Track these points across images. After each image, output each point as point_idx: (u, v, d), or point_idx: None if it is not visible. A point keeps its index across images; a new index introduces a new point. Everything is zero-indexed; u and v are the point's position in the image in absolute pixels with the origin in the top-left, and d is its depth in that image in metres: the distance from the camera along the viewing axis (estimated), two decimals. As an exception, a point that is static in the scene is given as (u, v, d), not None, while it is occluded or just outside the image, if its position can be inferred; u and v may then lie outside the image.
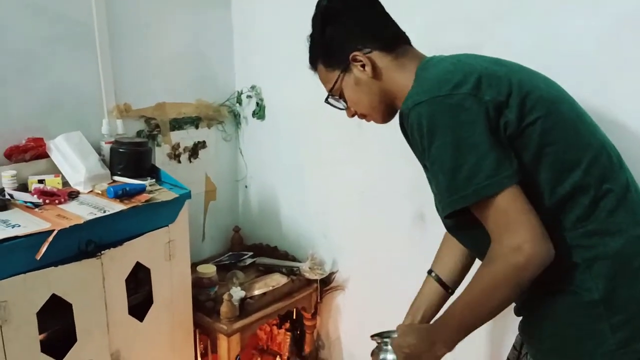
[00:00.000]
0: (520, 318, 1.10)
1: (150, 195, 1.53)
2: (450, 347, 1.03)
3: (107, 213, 1.40)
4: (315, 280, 1.96)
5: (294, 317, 2.15)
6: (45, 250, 1.26)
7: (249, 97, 2.13)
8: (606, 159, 0.99)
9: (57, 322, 1.38)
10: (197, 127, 2.08)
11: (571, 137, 0.97)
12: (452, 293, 1.28)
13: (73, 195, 1.52)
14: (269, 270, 2.04)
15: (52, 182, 1.54)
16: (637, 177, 1.05)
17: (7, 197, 1.45)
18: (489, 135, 0.92)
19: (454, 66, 1.00)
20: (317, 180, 2.02)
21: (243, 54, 2.13)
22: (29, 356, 1.30)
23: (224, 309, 1.69)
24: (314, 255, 1.97)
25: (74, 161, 1.57)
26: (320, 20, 1.14)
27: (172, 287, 1.64)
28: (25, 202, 1.43)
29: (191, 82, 2.04)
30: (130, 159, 1.65)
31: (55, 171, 1.59)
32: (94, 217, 1.37)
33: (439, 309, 1.28)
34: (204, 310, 1.77)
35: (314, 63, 1.20)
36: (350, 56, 1.11)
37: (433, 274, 1.29)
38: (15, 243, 1.22)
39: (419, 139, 0.97)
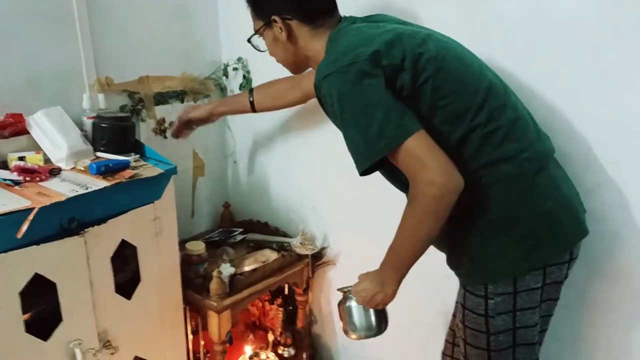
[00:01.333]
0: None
1: (135, 171, 1.49)
2: (397, 283, 1.20)
3: (89, 190, 1.36)
4: (307, 256, 1.94)
5: (286, 292, 2.14)
6: (27, 229, 1.23)
7: (235, 69, 2.07)
8: (493, 100, 1.14)
9: (41, 301, 1.35)
10: (182, 101, 2.02)
11: (459, 89, 1.12)
12: (253, 111, 1.74)
13: (54, 172, 1.47)
14: (259, 246, 2.01)
15: (33, 159, 1.50)
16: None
17: (-14, 175, 1.40)
18: (390, 93, 1.07)
19: (355, 37, 1.15)
20: (306, 154, 1.98)
21: (228, 25, 2.07)
22: (14, 337, 1.28)
23: (213, 285, 1.66)
24: (304, 231, 1.94)
25: (55, 137, 1.52)
26: None
27: (160, 265, 1.60)
28: (5, 179, 1.39)
29: (175, 55, 1.97)
30: (113, 134, 1.60)
31: (36, 148, 1.54)
32: (75, 194, 1.33)
33: (235, 113, 1.84)
34: (193, 287, 1.74)
35: (247, 2, 1.34)
36: (271, 17, 1.27)
37: (251, 97, 1.73)
38: (-5, 222, 1.19)
39: (332, 107, 1.12)
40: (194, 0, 1.99)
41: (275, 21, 1.27)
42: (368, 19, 1.30)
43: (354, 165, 1.13)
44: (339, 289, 1.35)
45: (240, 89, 2.08)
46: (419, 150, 1.05)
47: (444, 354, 1.52)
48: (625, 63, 1.21)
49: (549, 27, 1.30)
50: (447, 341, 1.50)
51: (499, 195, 1.13)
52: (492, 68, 1.27)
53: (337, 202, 1.93)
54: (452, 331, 1.47)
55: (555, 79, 1.32)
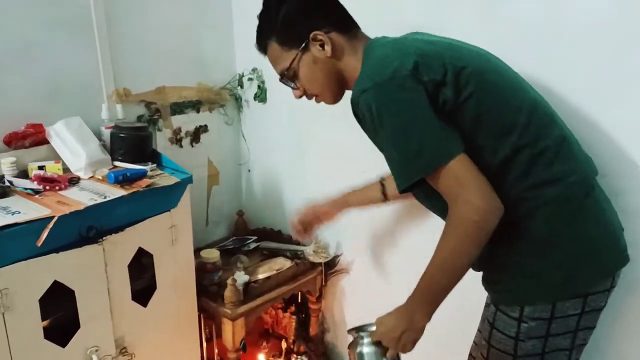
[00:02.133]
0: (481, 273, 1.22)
1: (151, 180, 1.52)
2: (429, 315, 1.10)
3: (107, 199, 1.39)
4: (320, 264, 1.95)
5: (299, 300, 2.15)
6: (46, 237, 1.26)
7: (250, 79, 2.10)
8: (539, 118, 1.08)
9: (60, 308, 1.38)
10: (198, 111, 2.06)
11: (503, 104, 1.07)
12: (384, 201, 1.53)
13: (73, 181, 1.51)
14: (273, 254, 2.03)
15: (53, 168, 1.53)
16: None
17: (7, 184, 1.44)
18: (432, 110, 1.01)
19: (393, 51, 1.08)
20: (319, 162, 2.00)
21: (243, 36, 2.10)
22: (33, 343, 1.30)
23: (228, 293, 1.68)
24: (318, 239, 1.96)
25: (74, 147, 1.56)
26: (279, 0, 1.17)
27: (175, 272, 1.63)
28: (26, 188, 1.42)
29: (191, 65, 2.01)
30: (130, 144, 1.63)
31: (56, 157, 1.57)
32: (94, 202, 1.36)
33: (363, 205, 1.58)
34: (208, 295, 1.76)
35: (265, 42, 1.20)
36: (311, 35, 1.15)
37: (381, 183, 1.53)
38: (16, 230, 1.22)
39: (371, 123, 1.05)
40: (210, 11, 2.03)
41: (314, 39, 1.15)
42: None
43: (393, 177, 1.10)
44: (349, 331, 1.22)
45: (254, 99, 2.10)
46: (460, 173, 1.00)
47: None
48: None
49: (567, 30, 1.30)
50: (470, 355, 1.40)
51: (544, 217, 1.07)
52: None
53: (351, 212, 1.94)
54: (476, 345, 1.39)
55: (575, 83, 1.32)
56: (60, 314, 1.39)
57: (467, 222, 0.99)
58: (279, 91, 2.05)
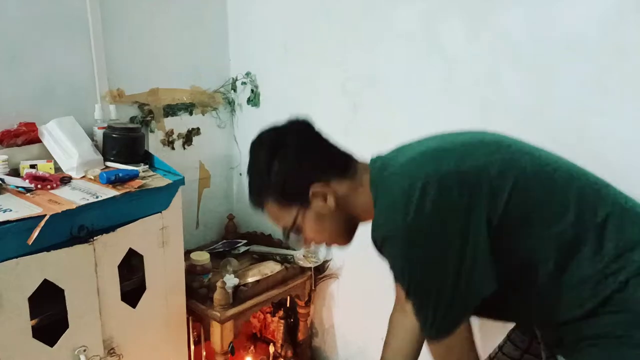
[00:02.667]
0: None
1: (144, 181, 1.52)
2: None
3: (99, 199, 1.39)
4: (309, 269, 1.96)
5: (288, 305, 2.15)
6: (37, 235, 1.25)
7: (243, 83, 2.11)
8: (587, 191, 0.97)
9: (49, 308, 1.37)
10: (191, 114, 2.06)
11: (547, 193, 0.95)
12: None
13: (65, 180, 1.51)
14: (262, 258, 2.03)
15: (44, 167, 1.53)
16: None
17: (-1, 181, 1.43)
18: (455, 251, 0.90)
19: (405, 180, 0.95)
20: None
21: (238, 40, 2.11)
22: (21, 342, 1.29)
23: (217, 296, 1.68)
24: (308, 244, 1.96)
25: (67, 146, 1.56)
26: (269, 154, 1.05)
27: (165, 274, 1.63)
28: (17, 187, 1.42)
29: (185, 68, 2.01)
30: (123, 144, 1.63)
31: (48, 156, 1.57)
32: (86, 202, 1.36)
33: None
34: (197, 297, 1.76)
35: (260, 200, 1.09)
36: (311, 191, 1.04)
37: None
38: (7, 228, 1.21)
39: (393, 268, 0.98)
40: (205, 15, 2.04)
41: (315, 194, 1.04)
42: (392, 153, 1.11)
43: None
44: None
45: (248, 102, 2.12)
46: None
47: None
48: (629, 80, 1.24)
49: (554, 44, 1.33)
50: None
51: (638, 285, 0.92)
52: (498, 83, 1.31)
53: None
54: None
55: (560, 95, 1.35)
56: (49, 313, 1.38)
57: None
58: (272, 95, 2.07)
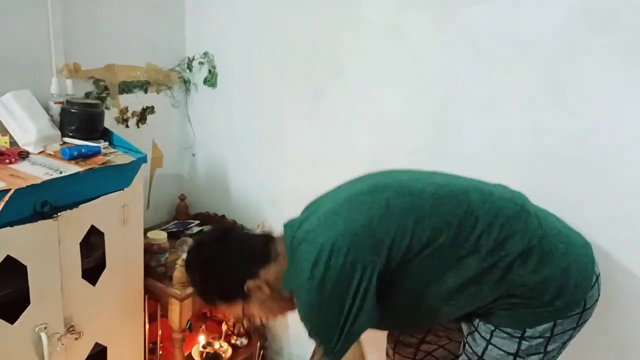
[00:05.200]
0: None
1: (107, 158, 1.50)
2: None
3: (63, 174, 1.37)
4: (265, 248, 1.99)
5: (240, 284, 2.18)
6: (1, 210, 1.22)
7: (201, 63, 2.11)
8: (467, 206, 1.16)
9: (10, 284, 1.34)
10: (146, 92, 2.03)
11: (417, 225, 1.13)
12: None
13: (23, 155, 1.46)
14: (217, 237, 2.05)
15: (-1, 142, 1.48)
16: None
17: (-47, 155, 1.37)
18: (347, 305, 1.11)
19: (310, 249, 1.14)
20: (268, 150, 2.04)
21: (196, 20, 2.10)
22: (-19, 319, 1.27)
23: (177, 274, 1.69)
24: (264, 224, 2.00)
25: (24, 121, 1.51)
26: (201, 274, 1.29)
27: (125, 252, 1.62)
28: (-27, 160, 1.37)
29: (142, 45, 1.98)
30: (82, 120, 1.60)
31: (2, 130, 1.52)
32: (50, 177, 1.34)
33: None
34: (154, 275, 1.77)
35: (210, 303, 1.35)
36: (246, 288, 1.23)
37: None
38: (-31, 202, 1.18)
39: (299, 312, 1.21)
40: (162, -9, 2.02)
41: (250, 289, 1.23)
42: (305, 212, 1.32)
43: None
44: None
45: (204, 83, 2.11)
46: None
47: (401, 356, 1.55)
48: (576, 79, 1.37)
49: (511, 42, 1.44)
50: (404, 344, 1.53)
51: (520, 268, 1.13)
52: (457, 77, 1.40)
53: (298, 197, 2.00)
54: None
55: (513, 91, 1.46)
56: (10, 289, 1.35)
57: None
58: (230, 77, 2.08)
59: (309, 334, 1.21)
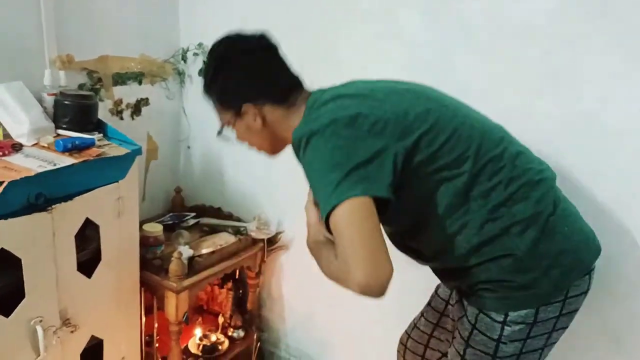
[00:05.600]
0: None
1: (102, 150, 1.49)
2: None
3: (57, 166, 1.36)
4: (262, 240, 1.99)
5: (237, 276, 2.18)
6: (-5, 203, 1.21)
7: (195, 54, 2.09)
8: (488, 142, 1.13)
9: (4, 277, 1.33)
10: (140, 83, 2.02)
11: (453, 141, 1.10)
12: None
13: (16, 147, 1.45)
14: (213, 230, 2.04)
15: (-8, 133, 1.46)
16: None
17: (-55, 147, 1.36)
18: (349, 158, 1.01)
19: (335, 105, 1.11)
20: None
21: (190, 10, 2.08)
22: (-24, 312, 1.26)
23: (173, 266, 1.69)
24: (261, 216, 2.00)
25: (16, 112, 1.49)
26: (216, 67, 1.22)
27: (120, 245, 1.61)
28: (-35, 153, 1.35)
29: (136, 36, 1.96)
30: (76, 112, 1.59)
31: (-6, 122, 1.50)
32: (44, 170, 1.32)
33: None
34: (150, 268, 1.76)
35: (206, 95, 1.27)
36: (242, 107, 1.19)
37: None
38: (-37, 194, 1.17)
39: (303, 160, 1.09)
40: (156, -18, 2.00)
41: (246, 112, 1.20)
42: (338, 89, 1.22)
43: None
44: None
45: (199, 74, 2.10)
46: (354, 236, 0.98)
47: (412, 339, 1.52)
48: (571, 67, 1.36)
49: (505, 30, 1.43)
50: (418, 328, 1.51)
51: (519, 234, 1.11)
52: (452, 65, 1.39)
53: (294, 188, 1.99)
54: (431, 324, 1.48)
55: (510, 79, 1.46)
56: (4, 283, 1.34)
57: (353, 288, 0.97)
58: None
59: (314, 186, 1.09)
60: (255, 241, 1.99)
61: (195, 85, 2.15)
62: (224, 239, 1.91)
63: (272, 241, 2.04)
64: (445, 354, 1.44)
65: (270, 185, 2.07)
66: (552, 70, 1.39)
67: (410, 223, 1.17)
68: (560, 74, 1.39)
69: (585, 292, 1.21)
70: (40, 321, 1.39)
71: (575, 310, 1.21)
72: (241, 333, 2.14)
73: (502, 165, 1.12)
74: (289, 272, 2.14)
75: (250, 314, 2.16)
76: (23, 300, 1.34)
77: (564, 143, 1.42)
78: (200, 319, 2.20)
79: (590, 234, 1.22)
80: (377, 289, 0.96)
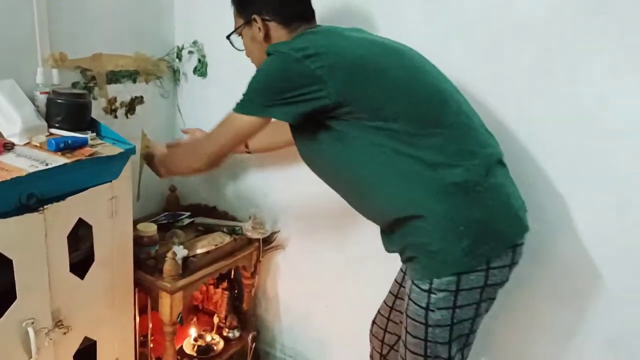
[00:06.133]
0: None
1: (94, 149, 1.47)
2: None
3: (49, 166, 1.34)
4: (257, 240, 1.98)
5: (232, 276, 2.17)
6: (-16, 204, 1.19)
7: (190, 52, 2.07)
8: (433, 106, 1.24)
9: (-5, 279, 1.32)
10: (134, 82, 2.00)
11: (396, 94, 1.22)
12: (247, 152, 1.85)
13: (8, 146, 1.43)
14: (208, 230, 2.02)
15: (-17, 133, 1.44)
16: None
17: None
18: (286, 89, 1.21)
19: (306, 39, 1.29)
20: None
21: (184, 8, 2.06)
22: (-34, 314, 1.24)
23: (167, 267, 1.67)
24: (256, 215, 1.98)
25: (8, 111, 1.47)
26: None
27: (113, 245, 1.59)
28: (-44, 152, 1.33)
29: (130, 34, 1.94)
30: (69, 110, 1.57)
31: (-14, 121, 1.48)
32: (35, 169, 1.31)
33: None
34: (144, 268, 1.74)
35: (231, 1, 1.46)
36: (252, 16, 1.39)
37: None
38: (-48, 195, 1.15)
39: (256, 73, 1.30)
40: (151, -20, 1.97)
41: (255, 20, 1.38)
42: (333, 28, 1.39)
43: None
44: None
45: (194, 72, 2.08)
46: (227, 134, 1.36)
47: (375, 324, 1.62)
48: (568, 67, 1.35)
49: (504, 30, 1.42)
50: (380, 314, 1.60)
51: (443, 199, 1.19)
52: (450, 64, 1.38)
53: (289, 187, 1.99)
54: (388, 307, 1.58)
55: (508, 78, 1.45)
56: (-5, 284, 1.32)
57: (194, 163, 1.47)
58: (220, 66, 2.04)
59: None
60: (250, 241, 1.98)
61: (190, 83, 2.13)
62: (219, 239, 1.90)
63: (267, 241, 2.03)
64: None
65: (266, 185, 2.06)
66: (551, 69, 1.38)
67: (336, 166, 1.32)
68: (558, 73, 1.38)
69: (510, 266, 1.26)
70: (32, 323, 1.37)
71: (502, 283, 1.27)
72: (236, 333, 2.12)
73: (439, 131, 1.21)
74: (284, 272, 2.13)
75: (245, 314, 2.15)
76: (14, 302, 1.33)
77: (562, 143, 1.41)
78: (195, 319, 2.18)
79: (517, 212, 1.26)
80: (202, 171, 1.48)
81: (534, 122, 1.44)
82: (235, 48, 1.50)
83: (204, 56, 2.05)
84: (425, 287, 1.25)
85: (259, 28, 1.38)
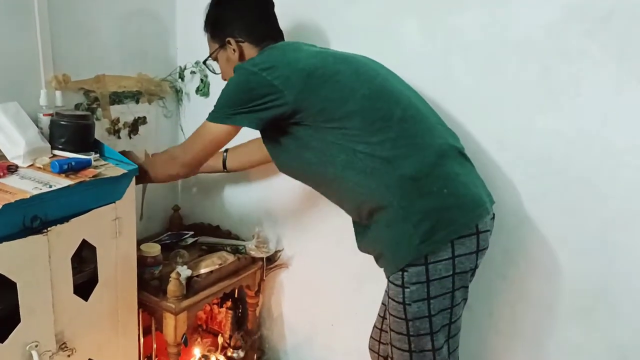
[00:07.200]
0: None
1: (98, 171, 1.47)
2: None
3: (53, 188, 1.34)
4: (261, 259, 1.97)
5: (236, 295, 2.15)
6: (-11, 226, 1.19)
7: (192, 73, 2.08)
8: (381, 103, 1.33)
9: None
10: (137, 102, 2.01)
11: (345, 97, 1.32)
12: (225, 171, 1.90)
13: (12, 169, 1.43)
14: (211, 249, 2.02)
15: (-14, 155, 1.45)
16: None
17: (-61, 170, 1.34)
18: (248, 99, 1.34)
19: (265, 55, 1.42)
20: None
21: (186, 29, 2.08)
22: (-30, 338, 1.23)
23: (171, 287, 1.66)
24: (260, 234, 1.98)
25: (12, 133, 1.48)
26: (215, 4, 1.54)
27: (117, 266, 1.59)
28: (-40, 175, 1.33)
29: (132, 55, 1.96)
30: (73, 132, 1.57)
31: (-11, 144, 1.48)
32: (39, 192, 1.30)
33: (206, 172, 1.90)
34: (148, 289, 1.73)
35: (205, 28, 1.59)
36: (226, 39, 1.52)
37: (224, 154, 1.86)
38: (-44, 218, 1.15)
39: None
40: (153, 1, 1.99)
41: (229, 42, 1.52)
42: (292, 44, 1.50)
43: None
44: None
45: (196, 92, 2.09)
46: (206, 139, 1.46)
47: (372, 338, 1.64)
48: (571, 82, 1.36)
49: (504, 46, 1.43)
50: (375, 327, 1.62)
51: (394, 191, 1.28)
52: (452, 82, 1.41)
53: (293, 205, 1.98)
54: (380, 317, 1.59)
55: (509, 95, 1.45)
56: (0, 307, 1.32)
57: (170, 170, 1.59)
58: (222, 86, 2.04)
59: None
60: (254, 259, 1.97)
61: (192, 103, 2.14)
62: (223, 258, 1.89)
63: (271, 259, 2.02)
64: None
65: (269, 203, 2.06)
66: (552, 86, 1.38)
67: (305, 168, 1.44)
68: (560, 89, 1.38)
69: (477, 253, 1.31)
70: (36, 346, 1.36)
71: (471, 270, 1.32)
72: (241, 353, 2.10)
73: (389, 125, 1.29)
74: (288, 291, 2.12)
75: (250, 333, 2.13)
76: (18, 325, 1.32)
77: (564, 159, 1.41)
78: (199, 339, 2.16)
79: (477, 199, 1.31)
80: (181, 176, 1.69)
81: (536, 138, 1.44)
82: (214, 72, 1.66)
83: (206, 76, 2.06)
84: (399, 282, 1.31)
85: (234, 50, 1.51)
